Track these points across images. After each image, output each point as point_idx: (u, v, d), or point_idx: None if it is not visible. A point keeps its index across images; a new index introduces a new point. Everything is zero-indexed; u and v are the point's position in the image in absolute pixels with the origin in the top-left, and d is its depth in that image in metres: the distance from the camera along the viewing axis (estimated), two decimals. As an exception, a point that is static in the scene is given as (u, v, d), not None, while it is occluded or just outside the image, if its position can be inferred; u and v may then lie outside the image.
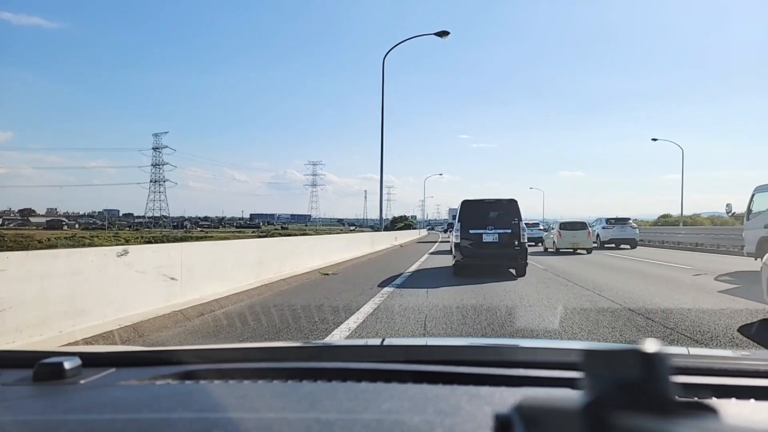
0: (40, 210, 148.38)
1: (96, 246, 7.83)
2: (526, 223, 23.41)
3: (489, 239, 10.73)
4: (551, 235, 21.46)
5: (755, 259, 12.80)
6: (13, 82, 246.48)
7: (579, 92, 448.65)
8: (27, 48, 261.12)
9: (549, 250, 21.61)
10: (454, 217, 11.94)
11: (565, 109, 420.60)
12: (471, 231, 10.80)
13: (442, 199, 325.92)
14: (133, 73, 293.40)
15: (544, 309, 6.59)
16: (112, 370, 1.10)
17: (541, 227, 28.84)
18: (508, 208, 10.92)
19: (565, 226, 20.61)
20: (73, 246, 29.34)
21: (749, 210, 13.30)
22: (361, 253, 17.30)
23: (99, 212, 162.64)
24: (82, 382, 0.99)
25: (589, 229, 20.59)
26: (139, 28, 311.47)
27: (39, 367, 1.00)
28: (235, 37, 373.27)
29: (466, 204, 11.30)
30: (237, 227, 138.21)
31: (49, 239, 58.74)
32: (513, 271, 10.95)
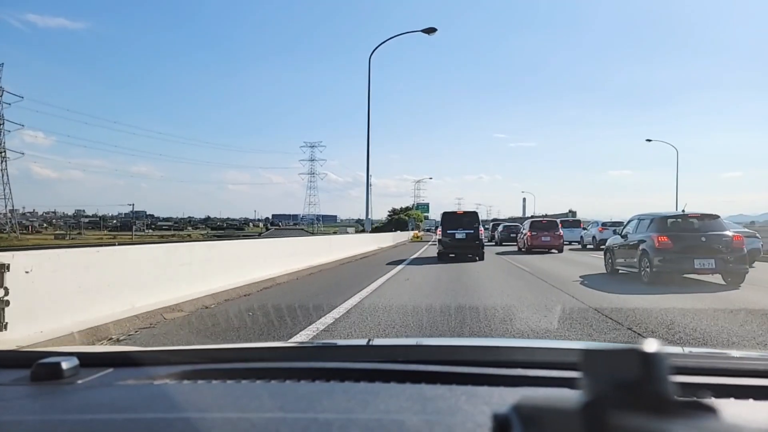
0: (70, 212, 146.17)
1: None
2: (563, 219, 25.08)
3: (459, 236, 16.15)
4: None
5: None
6: (44, 82, 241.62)
7: (634, 87, 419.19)
8: (54, 48, 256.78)
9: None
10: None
11: (613, 106, 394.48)
12: (448, 231, 16.24)
13: (482, 199, 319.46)
14: (164, 73, 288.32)
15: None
16: (110, 370, 1.10)
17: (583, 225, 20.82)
18: (472, 217, 16.79)
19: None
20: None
21: None
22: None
23: (126, 213, 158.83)
24: (79, 382, 0.99)
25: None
26: (170, 28, 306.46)
27: (37, 367, 1.00)
28: (247, 39, 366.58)
29: (445, 214, 17.06)
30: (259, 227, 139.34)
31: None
32: (476, 257, 16.03)
